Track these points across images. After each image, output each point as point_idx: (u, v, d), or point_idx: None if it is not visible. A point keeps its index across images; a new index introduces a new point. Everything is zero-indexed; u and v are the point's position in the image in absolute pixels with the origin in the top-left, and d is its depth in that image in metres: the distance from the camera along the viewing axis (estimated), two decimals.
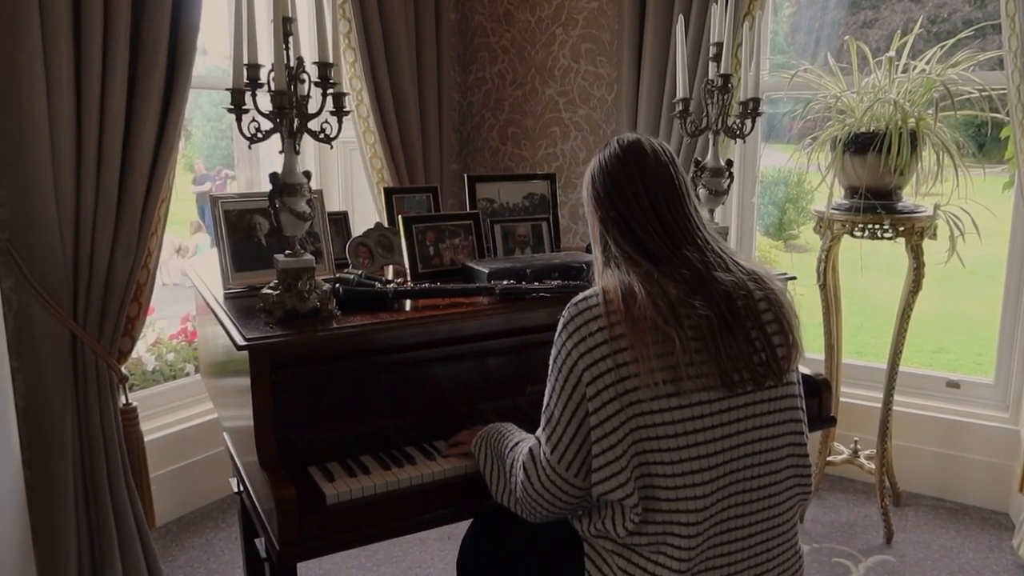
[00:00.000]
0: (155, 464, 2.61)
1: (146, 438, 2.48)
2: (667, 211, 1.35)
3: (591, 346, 1.26)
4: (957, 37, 2.61)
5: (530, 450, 1.37)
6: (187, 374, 3.18)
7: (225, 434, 2.16)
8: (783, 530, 1.37)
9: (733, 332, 1.27)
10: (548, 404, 1.34)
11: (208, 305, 1.81)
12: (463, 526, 1.64)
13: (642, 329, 1.23)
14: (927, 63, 2.60)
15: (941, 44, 2.60)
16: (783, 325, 1.33)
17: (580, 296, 1.32)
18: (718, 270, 1.32)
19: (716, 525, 1.29)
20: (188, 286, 2.44)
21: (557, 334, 1.32)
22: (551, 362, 1.33)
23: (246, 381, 1.49)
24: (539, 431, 1.36)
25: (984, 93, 2.54)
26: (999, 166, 3.08)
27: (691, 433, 1.25)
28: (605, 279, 1.33)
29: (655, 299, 1.25)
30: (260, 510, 1.57)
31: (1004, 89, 2.54)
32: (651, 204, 1.35)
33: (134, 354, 2.42)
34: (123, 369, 2.32)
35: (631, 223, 1.34)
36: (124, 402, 2.37)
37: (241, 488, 1.99)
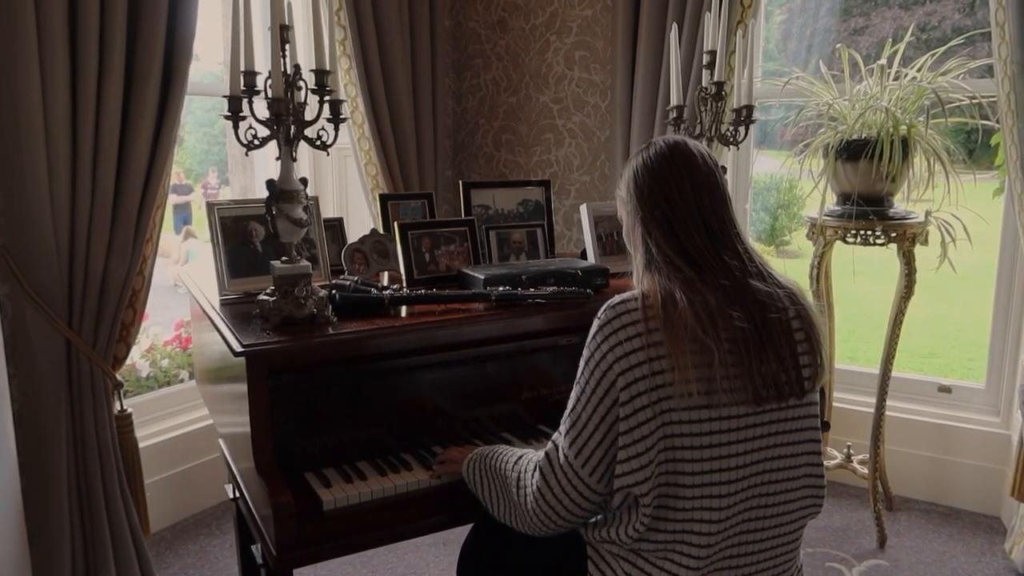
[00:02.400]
0: (150, 471, 2.60)
1: (140, 445, 2.47)
2: (711, 214, 1.33)
3: (628, 351, 1.24)
4: (947, 45, 2.64)
5: (546, 454, 1.34)
6: (181, 380, 3.18)
7: (221, 440, 2.16)
8: (791, 547, 1.38)
9: (765, 347, 1.26)
10: (575, 407, 1.31)
11: (204, 311, 1.82)
12: (458, 532, 1.65)
13: (681, 338, 1.22)
14: (918, 71, 2.62)
15: (932, 52, 2.63)
16: (812, 344, 1.32)
17: (618, 299, 1.30)
18: (755, 279, 1.31)
19: (729, 538, 1.29)
20: (182, 291, 2.44)
21: (591, 336, 1.29)
22: (582, 363, 1.31)
23: (243, 387, 1.49)
24: (559, 435, 1.34)
25: (974, 100, 2.56)
26: (989, 172, 3.10)
27: (717, 446, 1.25)
28: (645, 283, 1.31)
29: (696, 308, 1.24)
30: (257, 516, 1.57)
31: (994, 96, 2.56)
32: (696, 206, 1.33)
33: (128, 360, 2.42)
34: (117, 375, 2.32)
35: (674, 224, 1.32)
36: (119, 408, 2.37)
37: (237, 494, 1.99)
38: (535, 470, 1.36)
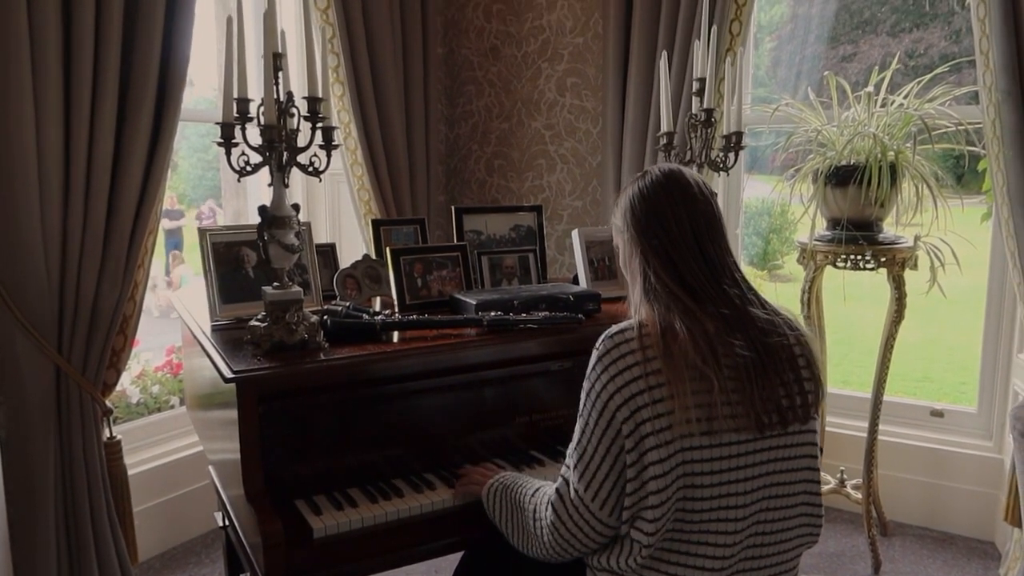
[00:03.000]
0: (139, 498, 2.57)
1: (130, 471, 2.44)
2: (709, 243, 1.33)
3: (627, 380, 1.24)
4: (934, 72, 2.67)
5: (557, 490, 1.34)
6: (172, 406, 3.15)
7: (211, 467, 2.14)
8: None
9: (768, 374, 1.26)
10: (580, 440, 1.30)
11: (195, 337, 1.81)
12: (450, 559, 1.63)
13: (680, 367, 1.22)
14: (905, 97, 2.65)
15: (918, 79, 2.66)
16: (813, 371, 1.33)
17: (616, 328, 1.30)
18: (754, 307, 1.31)
19: (732, 566, 1.28)
20: (173, 317, 2.43)
21: (591, 367, 1.29)
22: (584, 396, 1.30)
23: (233, 413, 1.49)
24: (567, 470, 1.33)
25: (960, 127, 2.59)
26: (977, 197, 3.13)
27: (723, 472, 1.24)
28: (643, 312, 1.31)
29: (696, 338, 1.23)
30: (246, 544, 1.56)
31: (980, 123, 2.59)
32: (694, 235, 1.33)
33: (118, 386, 2.40)
34: (107, 402, 2.30)
35: (671, 253, 1.32)
36: (108, 435, 2.34)
37: (227, 522, 1.98)
38: (548, 505, 1.35)
